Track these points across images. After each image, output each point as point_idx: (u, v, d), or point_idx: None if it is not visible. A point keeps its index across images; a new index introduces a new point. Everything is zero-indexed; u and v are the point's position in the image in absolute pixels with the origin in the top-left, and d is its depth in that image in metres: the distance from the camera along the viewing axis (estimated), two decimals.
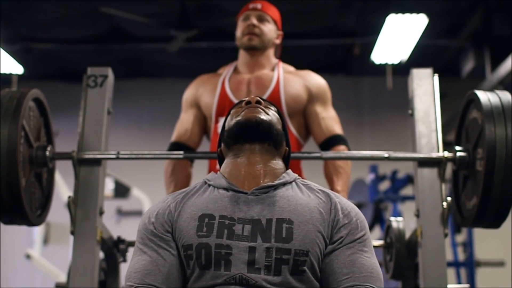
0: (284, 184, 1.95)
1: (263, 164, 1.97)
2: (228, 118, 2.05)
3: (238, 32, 3.28)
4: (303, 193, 1.94)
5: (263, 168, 1.96)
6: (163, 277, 1.83)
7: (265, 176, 1.95)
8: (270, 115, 2.01)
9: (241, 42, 3.25)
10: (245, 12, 3.29)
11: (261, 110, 2.00)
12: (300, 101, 3.19)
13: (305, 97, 3.20)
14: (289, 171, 2.02)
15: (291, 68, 3.35)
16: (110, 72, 2.96)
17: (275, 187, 1.93)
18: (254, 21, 3.22)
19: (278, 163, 2.01)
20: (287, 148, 2.07)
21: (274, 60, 3.33)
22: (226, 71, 3.31)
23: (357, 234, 1.88)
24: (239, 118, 1.98)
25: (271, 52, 3.30)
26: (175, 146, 3.26)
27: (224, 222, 1.83)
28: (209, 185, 1.97)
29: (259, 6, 3.27)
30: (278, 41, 3.34)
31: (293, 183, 1.98)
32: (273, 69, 3.27)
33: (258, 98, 2.03)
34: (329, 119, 3.23)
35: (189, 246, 1.82)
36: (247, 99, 2.04)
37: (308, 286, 1.80)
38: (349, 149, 3.18)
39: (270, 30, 3.26)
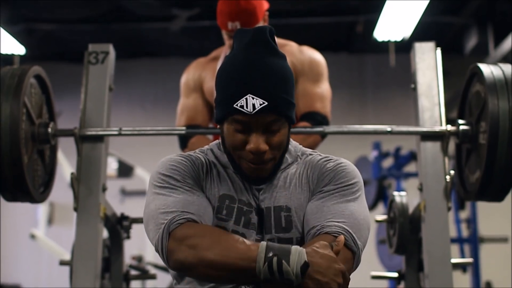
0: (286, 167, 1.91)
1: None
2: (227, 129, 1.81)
3: (226, 45, 3.12)
4: (302, 169, 1.90)
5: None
6: (203, 211, 1.78)
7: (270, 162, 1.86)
8: (276, 158, 1.84)
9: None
10: (227, 33, 3.05)
11: (266, 164, 1.82)
12: None
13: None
14: (291, 148, 1.94)
15: (293, 46, 3.25)
16: (111, 49, 2.95)
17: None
18: None
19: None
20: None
21: None
22: (222, 55, 3.24)
23: (339, 184, 1.83)
24: (245, 168, 1.82)
25: None
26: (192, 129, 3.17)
27: (242, 209, 1.83)
28: (218, 163, 1.91)
29: (239, 26, 2.99)
30: (266, 23, 3.12)
31: (294, 162, 1.93)
32: None
33: (264, 149, 1.78)
34: (312, 95, 3.15)
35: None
36: (251, 145, 1.76)
37: None
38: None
39: None
